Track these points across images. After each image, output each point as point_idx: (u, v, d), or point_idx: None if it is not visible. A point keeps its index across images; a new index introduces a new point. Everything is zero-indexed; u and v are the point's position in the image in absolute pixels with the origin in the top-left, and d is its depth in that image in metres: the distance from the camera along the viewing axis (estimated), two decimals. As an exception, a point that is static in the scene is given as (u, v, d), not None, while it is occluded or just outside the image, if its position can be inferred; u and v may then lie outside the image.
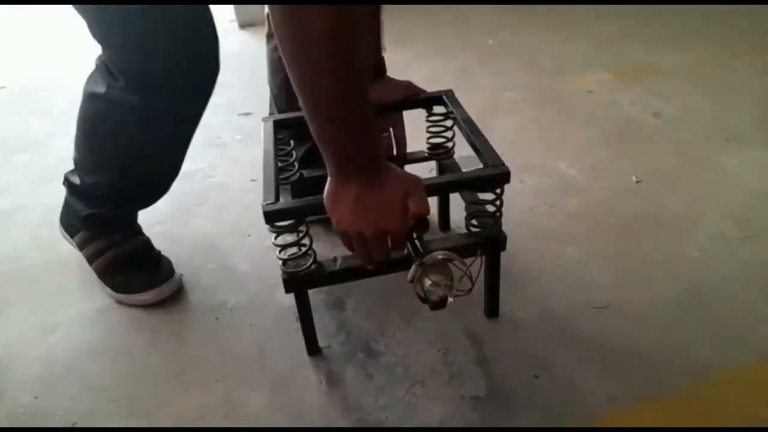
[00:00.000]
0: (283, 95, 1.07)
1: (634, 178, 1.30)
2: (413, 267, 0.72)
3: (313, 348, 0.92)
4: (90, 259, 1.06)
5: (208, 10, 0.88)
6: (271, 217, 0.75)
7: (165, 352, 0.96)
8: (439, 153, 1.07)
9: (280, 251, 0.81)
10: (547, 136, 1.51)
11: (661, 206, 1.21)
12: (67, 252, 1.12)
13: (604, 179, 1.31)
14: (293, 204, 0.77)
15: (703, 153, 1.38)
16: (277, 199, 0.78)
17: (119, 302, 1.05)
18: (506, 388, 0.86)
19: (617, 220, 1.18)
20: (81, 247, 1.07)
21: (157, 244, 1.11)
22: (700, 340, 0.91)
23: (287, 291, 0.83)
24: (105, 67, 0.89)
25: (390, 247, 0.72)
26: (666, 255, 1.08)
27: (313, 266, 0.82)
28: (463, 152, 1.07)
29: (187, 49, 0.86)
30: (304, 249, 0.82)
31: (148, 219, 1.16)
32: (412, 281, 0.72)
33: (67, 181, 1.06)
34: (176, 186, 1.06)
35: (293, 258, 0.81)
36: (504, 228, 0.87)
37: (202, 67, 0.89)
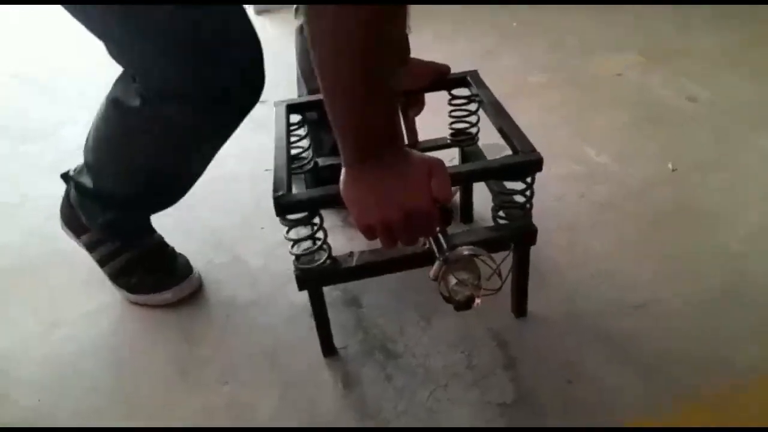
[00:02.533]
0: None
1: (670, 166, 1.22)
2: (437, 263, 0.66)
3: (328, 348, 0.87)
4: (102, 262, 1.01)
5: (241, 16, 0.74)
6: (282, 208, 0.69)
7: (171, 351, 0.91)
8: (463, 139, 1.00)
9: (292, 246, 0.75)
10: (575, 121, 1.43)
11: (698, 195, 1.13)
12: (72, 247, 1.07)
13: (636, 166, 1.23)
14: (307, 195, 0.71)
15: (744, 139, 1.28)
16: (289, 189, 0.72)
17: (136, 303, 1.00)
18: (536, 394, 0.80)
19: (651, 210, 1.11)
20: (90, 248, 1.01)
21: (166, 237, 1.05)
22: (743, 339, 0.83)
23: (300, 288, 0.77)
24: (134, 81, 0.78)
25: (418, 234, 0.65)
26: (705, 248, 1.00)
27: (327, 262, 0.76)
28: (487, 140, 1.00)
29: (219, 66, 0.73)
30: (318, 243, 0.76)
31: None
32: (435, 279, 0.66)
33: (73, 181, 0.98)
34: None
35: (306, 253, 0.75)
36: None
37: (239, 83, 0.76)
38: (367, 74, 0.56)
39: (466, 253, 0.65)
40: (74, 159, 1.03)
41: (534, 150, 0.73)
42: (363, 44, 0.54)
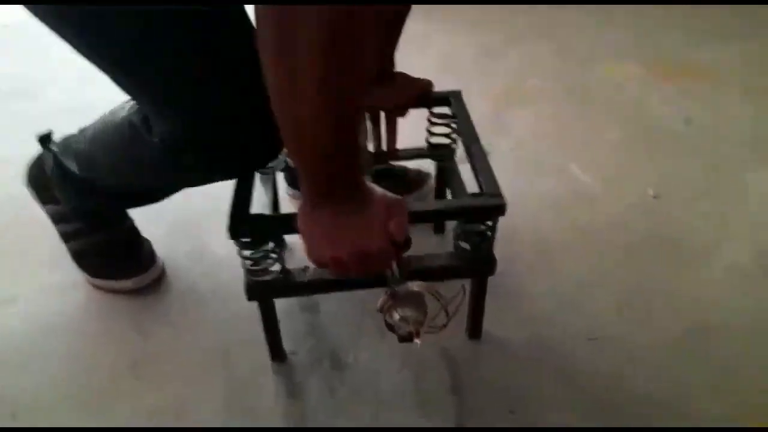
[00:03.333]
0: None
1: (651, 192, 1.20)
2: (383, 296, 0.65)
3: (276, 353, 0.86)
4: (65, 237, 1.00)
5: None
6: (236, 233, 0.68)
7: (125, 341, 0.91)
8: (440, 153, 0.97)
9: (244, 261, 0.74)
10: (566, 135, 1.40)
11: (677, 228, 1.11)
12: (41, 215, 1.06)
13: (621, 190, 1.21)
14: (263, 222, 0.69)
15: (733, 172, 1.26)
16: (244, 204, 0.71)
17: (94, 286, 0.99)
18: (477, 423, 0.80)
19: (628, 238, 1.09)
20: (54, 220, 1.00)
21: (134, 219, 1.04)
22: (697, 393, 0.83)
23: (250, 299, 0.76)
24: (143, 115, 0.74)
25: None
26: (675, 285, 0.99)
27: (280, 275, 0.75)
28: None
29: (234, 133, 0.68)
30: (273, 257, 0.74)
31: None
32: (380, 311, 0.65)
33: (55, 157, 0.94)
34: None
35: (258, 268, 0.74)
36: (503, 233, 0.79)
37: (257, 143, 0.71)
38: (327, 96, 0.50)
39: (415, 289, 0.64)
40: (55, 123, 1.00)
41: (499, 194, 0.71)
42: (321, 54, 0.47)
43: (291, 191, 1.16)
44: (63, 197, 0.96)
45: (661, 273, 1.02)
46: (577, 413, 0.80)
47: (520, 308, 0.96)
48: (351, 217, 0.60)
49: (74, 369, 0.87)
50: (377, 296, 0.67)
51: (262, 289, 0.75)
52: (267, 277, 0.75)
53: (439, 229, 1.08)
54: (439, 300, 0.65)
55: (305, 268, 0.77)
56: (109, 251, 0.98)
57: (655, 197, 1.19)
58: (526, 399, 0.83)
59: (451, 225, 1.09)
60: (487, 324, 0.90)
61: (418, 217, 0.68)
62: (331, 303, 0.96)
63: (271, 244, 0.72)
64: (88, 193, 0.93)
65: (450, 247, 0.77)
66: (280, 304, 0.85)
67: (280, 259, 0.75)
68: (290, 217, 0.63)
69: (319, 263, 0.63)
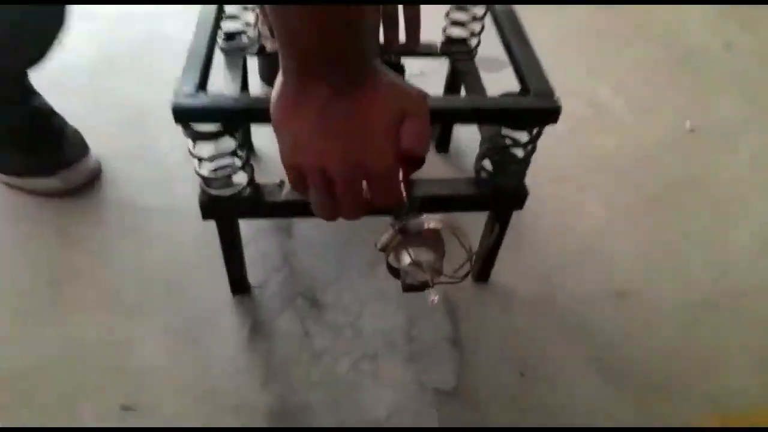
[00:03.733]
0: None
1: (687, 125, 1.03)
2: (390, 231, 0.47)
3: (239, 285, 0.69)
4: None
5: None
6: (181, 115, 0.48)
7: (45, 255, 0.72)
8: (458, 50, 0.77)
9: (199, 162, 0.54)
10: (596, 50, 1.19)
11: (713, 168, 0.95)
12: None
13: (653, 118, 1.04)
14: (221, 102, 0.49)
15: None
16: (201, 84, 0.50)
17: (8, 186, 0.79)
18: (480, 384, 0.66)
19: (658, 176, 0.93)
20: None
21: (60, 104, 0.82)
22: (726, 359, 0.70)
23: (205, 217, 0.58)
24: None
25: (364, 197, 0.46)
26: (707, 235, 0.85)
27: (247, 190, 0.56)
28: (484, 51, 0.78)
29: None
30: (237, 163, 0.55)
31: (59, 72, 0.87)
32: (383, 250, 0.48)
33: None
34: (106, 31, 0.76)
35: (219, 176, 0.55)
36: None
37: None
38: None
39: (431, 225, 0.46)
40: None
41: (552, 94, 0.53)
42: None
43: (266, 89, 0.94)
44: None
45: (694, 221, 0.87)
46: (596, 377, 0.67)
47: (531, 253, 0.80)
48: (348, 106, 0.41)
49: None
50: (367, 228, 0.49)
51: (222, 207, 0.57)
52: (229, 191, 0.56)
53: (443, 147, 0.90)
54: (462, 244, 0.48)
55: (281, 183, 0.59)
56: (18, 139, 0.76)
57: (691, 131, 1.02)
58: (537, 359, 0.69)
59: (458, 143, 0.91)
60: (494, 268, 0.74)
61: (445, 116, 0.49)
62: (307, 227, 0.78)
63: (234, 143, 0.52)
64: None
65: (456, 172, 0.59)
66: (246, 224, 0.67)
67: (248, 167, 0.56)
68: (262, 101, 0.44)
69: (295, 174, 0.44)
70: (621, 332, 0.72)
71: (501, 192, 0.60)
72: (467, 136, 0.89)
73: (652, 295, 0.77)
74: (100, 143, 0.83)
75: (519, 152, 0.58)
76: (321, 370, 0.65)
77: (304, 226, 0.79)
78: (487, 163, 0.60)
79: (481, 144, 0.60)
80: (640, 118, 1.03)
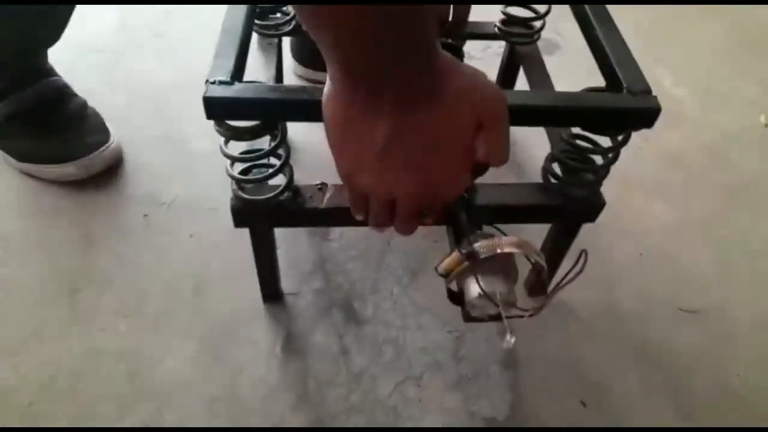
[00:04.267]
0: None
1: (762, 119, 0.93)
2: (454, 254, 0.40)
3: (271, 293, 0.63)
4: None
5: None
6: (215, 111, 0.41)
7: (62, 254, 0.66)
8: (518, 33, 0.68)
9: (231, 164, 0.47)
10: (655, 29, 1.09)
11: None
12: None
13: (723, 110, 0.94)
14: (265, 95, 0.41)
15: None
16: (237, 71, 0.43)
17: (27, 174, 0.73)
18: (536, 414, 0.59)
19: (731, 176, 0.84)
20: None
21: (81, 89, 0.75)
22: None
23: (237, 225, 0.51)
24: None
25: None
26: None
27: (286, 194, 0.49)
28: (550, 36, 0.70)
29: None
30: (275, 165, 0.48)
31: (76, 51, 0.80)
32: (445, 276, 0.41)
33: None
34: (124, 7, 0.69)
35: (254, 178, 0.48)
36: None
37: None
38: None
39: (505, 249, 0.39)
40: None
41: (649, 91, 0.44)
42: None
43: (301, 70, 0.86)
44: None
45: (772, 228, 0.78)
46: (669, 409, 0.60)
47: (592, 262, 0.72)
48: (423, 129, 0.34)
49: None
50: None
51: (258, 214, 0.50)
52: (264, 196, 0.49)
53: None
54: (540, 272, 0.40)
55: (321, 187, 0.51)
56: (35, 124, 0.70)
57: (766, 125, 0.92)
58: (601, 386, 0.61)
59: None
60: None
61: (527, 118, 0.41)
62: (346, 230, 0.71)
63: (274, 141, 0.45)
64: None
65: (501, 174, 0.50)
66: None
67: (287, 168, 0.48)
68: (311, 98, 0.37)
69: (358, 195, 0.38)
70: (693, 356, 0.65)
71: (574, 202, 0.52)
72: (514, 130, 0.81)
73: (729, 313, 0.68)
74: (119, 126, 0.77)
75: (598, 158, 0.50)
76: (360, 393, 0.59)
77: (338, 229, 0.72)
78: (556, 169, 0.52)
79: (554, 146, 0.52)
80: (709, 111, 0.93)
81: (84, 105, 0.74)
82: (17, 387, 0.56)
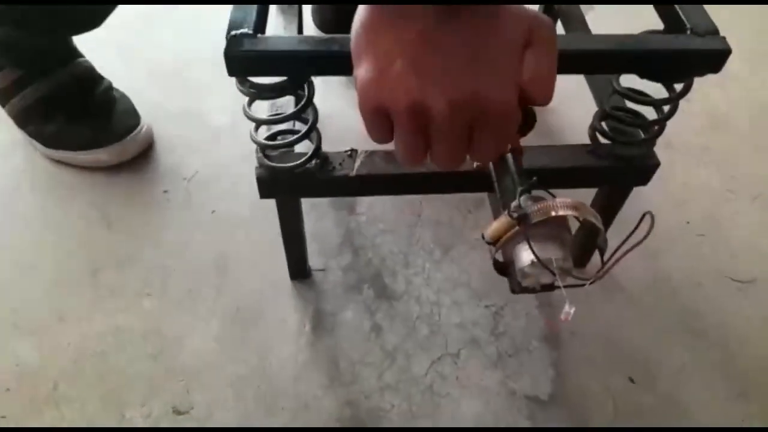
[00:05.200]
0: None
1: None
2: (503, 218, 0.36)
3: (298, 269, 0.60)
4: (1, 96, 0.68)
5: None
6: (237, 66, 0.38)
7: (88, 236, 0.64)
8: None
9: (256, 128, 0.44)
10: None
11: None
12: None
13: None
14: (293, 46, 0.38)
15: None
16: (259, 24, 0.40)
17: (51, 160, 0.70)
18: (582, 392, 0.56)
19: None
20: None
21: (101, 67, 0.72)
22: None
23: (263, 196, 0.48)
24: None
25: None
26: None
27: (314, 162, 0.46)
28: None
29: None
30: (301, 130, 0.45)
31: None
32: (493, 243, 0.37)
33: None
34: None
35: (280, 143, 0.45)
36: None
37: None
38: None
39: (560, 212, 0.35)
40: None
41: (717, 31, 0.40)
42: None
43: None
44: None
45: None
46: (722, 385, 0.56)
47: (636, 232, 0.68)
48: (461, 33, 0.30)
49: (20, 269, 0.61)
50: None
51: (285, 183, 0.47)
52: (290, 163, 0.45)
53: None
54: (597, 234, 0.37)
55: (351, 153, 0.48)
56: (65, 108, 0.67)
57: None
58: (649, 361, 0.58)
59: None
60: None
61: (574, 60, 0.37)
62: (375, 203, 0.68)
63: (300, 100, 0.42)
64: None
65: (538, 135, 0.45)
66: (307, 199, 0.57)
67: (312, 133, 0.45)
68: (341, 48, 0.33)
69: (377, 113, 0.32)
70: (748, 329, 0.60)
71: (626, 163, 0.47)
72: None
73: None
74: (139, 104, 0.74)
75: (650, 112, 0.46)
76: (395, 371, 0.56)
77: (366, 200, 0.68)
78: (605, 127, 0.48)
79: (602, 103, 0.47)
80: (757, 70, 0.87)
81: (110, 86, 0.71)
82: (41, 370, 0.54)
